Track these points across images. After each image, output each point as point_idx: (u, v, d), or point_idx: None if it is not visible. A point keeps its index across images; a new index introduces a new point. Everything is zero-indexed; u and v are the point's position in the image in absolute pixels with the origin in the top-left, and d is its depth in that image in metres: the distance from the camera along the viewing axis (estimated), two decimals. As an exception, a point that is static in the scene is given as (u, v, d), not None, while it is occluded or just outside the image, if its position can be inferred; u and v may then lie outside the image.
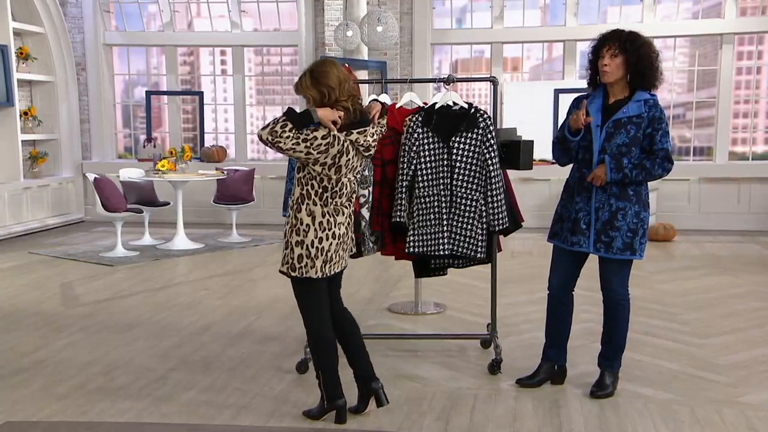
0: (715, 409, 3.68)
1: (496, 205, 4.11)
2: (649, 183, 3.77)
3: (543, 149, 5.03)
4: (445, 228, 4.12)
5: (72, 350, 4.67)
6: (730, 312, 5.56)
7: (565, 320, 3.98)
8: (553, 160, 3.98)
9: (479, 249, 4.13)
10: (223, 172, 8.83)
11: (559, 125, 3.97)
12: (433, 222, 4.13)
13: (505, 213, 4.14)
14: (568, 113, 3.87)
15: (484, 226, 4.12)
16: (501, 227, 4.15)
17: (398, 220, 4.14)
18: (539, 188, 9.47)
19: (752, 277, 6.82)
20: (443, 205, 4.12)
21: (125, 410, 3.70)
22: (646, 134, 3.64)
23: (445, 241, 4.13)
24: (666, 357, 4.49)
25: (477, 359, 4.45)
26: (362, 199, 4.19)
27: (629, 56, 3.61)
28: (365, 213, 4.21)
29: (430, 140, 4.13)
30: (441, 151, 4.13)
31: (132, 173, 8.59)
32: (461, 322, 5.30)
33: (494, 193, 4.10)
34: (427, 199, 4.13)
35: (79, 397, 3.87)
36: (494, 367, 4.19)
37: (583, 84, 3.90)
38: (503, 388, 3.98)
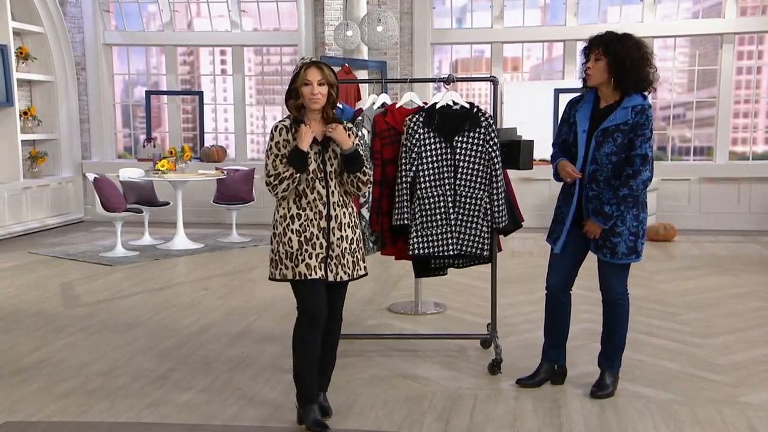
0: (715, 409, 3.68)
1: (498, 202, 4.14)
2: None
3: (543, 149, 5.02)
4: (453, 228, 4.13)
5: (72, 350, 4.67)
6: (730, 312, 5.55)
7: (564, 320, 3.97)
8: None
9: (485, 247, 4.17)
10: (222, 172, 8.83)
11: (558, 127, 3.95)
12: (439, 222, 4.13)
13: (505, 210, 4.17)
14: (563, 118, 3.86)
15: (489, 224, 4.14)
16: (502, 225, 4.17)
17: (403, 222, 4.13)
18: (539, 188, 9.46)
19: (752, 277, 6.82)
20: (449, 205, 4.13)
21: (125, 410, 3.70)
22: (629, 139, 3.61)
23: (453, 241, 4.14)
24: (666, 357, 4.49)
25: (477, 359, 4.45)
26: (362, 199, 4.19)
27: (611, 59, 3.57)
28: (365, 213, 4.21)
29: (433, 140, 4.13)
30: (444, 151, 4.13)
31: (132, 173, 8.59)
32: (461, 322, 5.29)
33: (497, 191, 4.13)
34: (432, 200, 4.13)
35: (79, 397, 3.87)
36: (494, 367, 4.18)
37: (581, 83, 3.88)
38: (503, 388, 3.98)
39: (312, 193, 3.34)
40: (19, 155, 9.33)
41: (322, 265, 3.35)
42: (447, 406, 3.73)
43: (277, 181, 3.29)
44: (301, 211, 3.35)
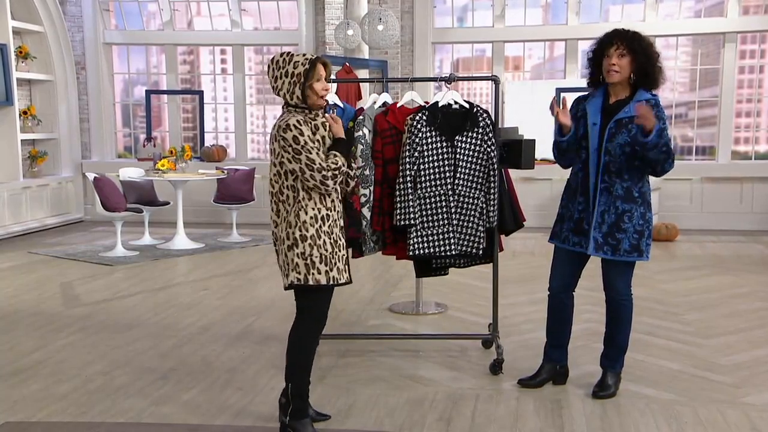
0: (717, 410, 3.66)
1: (492, 202, 4.16)
2: (650, 182, 3.75)
3: (545, 149, 5.02)
4: (455, 227, 4.13)
5: (72, 350, 4.65)
6: (732, 312, 5.54)
7: (566, 321, 3.96)
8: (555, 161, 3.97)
9: (480, 246, 4.17)
10: (223, 172, 8.81)
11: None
12: (441, 222, 4.12)
13: (497, 210, 4.18)
14: (569, 114, 3.86)
15: (484, 223, 4.14)
16: (494, 224, 4.18)
17: (408, 222, 4.10)
18: (541, 188, 9.46)
19: (754, 277, 6.80)
20: (451, 204, 4.12)
21: (125, 410, 3.68)
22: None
23: (454, 240, 4.13)
24: (668, 357, 4.47)
25: (478, 359, 4.44)
26: (363, 199, 4.18)
27: (637, 56, 3.58)
28: (366, 212, 4.20)
29: (435, 139, 4.12)
30: (445, 150, 4.12)
31: (132, 173, 8.57)
32: (462, 322, 5.28)
33: (493, 190, 4.14)
34: (433, 199, 4.11)
35: (79, 397, 3.85)
36: (496, 368, 4.17)
37: (585, 83, 3.88)
38: (505, 389, 3.96)
39: (334, 192, 3.27)
40: (19, 155, 9.32)
41: (346, 267, 3.31)
42: (448, 407, 3.71)
43: (340, 176, 3.18)
44: (327, 212, 3.23)
